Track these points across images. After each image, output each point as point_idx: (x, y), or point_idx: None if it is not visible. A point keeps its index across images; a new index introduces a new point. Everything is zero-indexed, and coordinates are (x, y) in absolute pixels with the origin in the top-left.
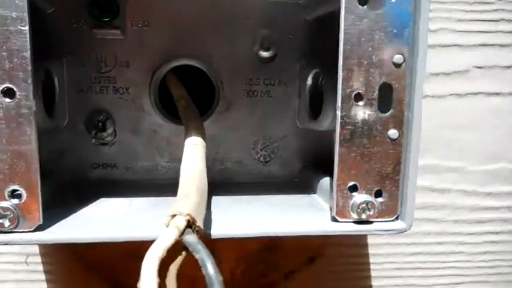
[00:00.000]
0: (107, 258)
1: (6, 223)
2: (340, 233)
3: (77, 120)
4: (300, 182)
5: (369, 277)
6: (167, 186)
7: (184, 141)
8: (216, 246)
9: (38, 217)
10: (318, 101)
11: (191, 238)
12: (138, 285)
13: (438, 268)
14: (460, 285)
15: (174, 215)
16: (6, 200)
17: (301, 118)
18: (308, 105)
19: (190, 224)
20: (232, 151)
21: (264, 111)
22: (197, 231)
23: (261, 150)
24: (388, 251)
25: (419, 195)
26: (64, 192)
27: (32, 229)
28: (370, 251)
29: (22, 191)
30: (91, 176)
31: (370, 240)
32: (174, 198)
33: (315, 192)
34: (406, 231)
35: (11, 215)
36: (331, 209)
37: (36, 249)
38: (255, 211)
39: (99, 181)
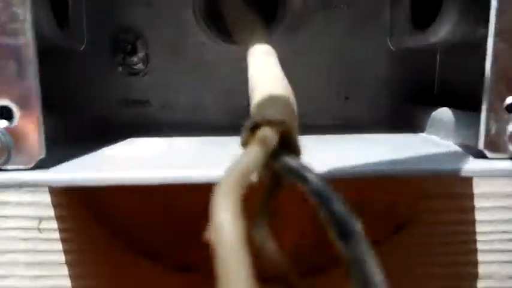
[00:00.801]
0: (137, 224)
1: None
2: (492, 174)
3: (99, 41)
4: (393, 121)
5: (473, 251)
6: (216, 129)
7: (243, 62)
8: (281, 209)
9: (38, 148)
10: (427, 4)
11: (291, 161)
12: (206, 235)
13: None
14: None
15: (256, 125)
16: None
17: (395, 35)
18: (409, 12)
19: (284, 139)
20: (301, 82)
21: (344, 28)
22: (295, 151)
23: (339, 81)
24: (500, 216)
25: None
26: (83, 136)
27: (29, 166)
28: (478, 217)
29: (13, 107)
30: (117, 116)
31: (478, 202)
32: (230, 139)
33: (422, 131)
34: None
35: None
36: (476, 141)
37: (51, 212)
38: (360, 149)
39: (128, 122)
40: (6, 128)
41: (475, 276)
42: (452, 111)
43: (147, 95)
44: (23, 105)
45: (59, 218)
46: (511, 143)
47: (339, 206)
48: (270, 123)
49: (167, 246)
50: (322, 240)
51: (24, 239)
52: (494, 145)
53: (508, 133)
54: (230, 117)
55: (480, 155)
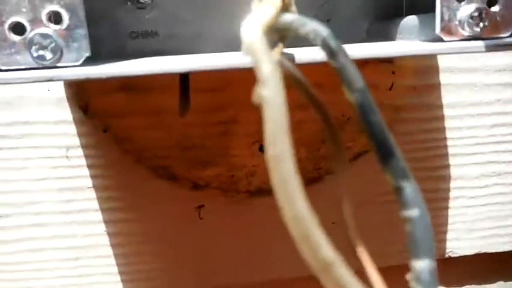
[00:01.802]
0: (158, 146)
1: (48, 55)
2: (448, 51)
3: None
4: (371, 40)
5: (444, 155)
6: None
7: None
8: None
9: (86, 46)
10: None
11: (291, 15)
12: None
13: None
14: None
15: None
16: (45, 25)
17: None
18: None
19: (285, 7)
20: None
21: None
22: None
23: (320, 6)
24: (468, 123)
25: None
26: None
27: (78, 63)
28: (447, 124)
29: (63, 12)
30: (129, 47)
31: (448, 111)
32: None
33: (393, 40)
34: None
35: (53, 44)
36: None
37: (77, 141)
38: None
39: (139, 53)
40: (57, 31)
41: (448, 178)
42: (417, 17)
43: (155, 26)
44: (70, 9)
45: (85, 146)
46: (461, 28)
47: (330, 36)
48: None
49: (183, 168)
50: (315, 154)
51: (54, 167)
52: (448, 30)
53: (458, 19)
54: (232, 45)
55: (438, 40)
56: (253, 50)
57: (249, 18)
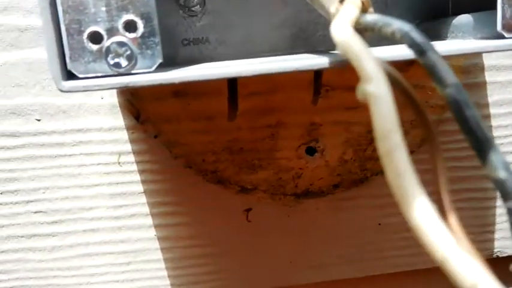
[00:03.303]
0: (207, 151)
1: (124, 62)
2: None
3: None
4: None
5: None
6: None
7: None
8: (321, 133)
9: (159, 53)
10: None
11: (373, 16)
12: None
13: None
14: None
15: None
16: (121, 33)
17: None
18: None
19: (364, 8)
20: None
21: None
22: None
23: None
24: None
25: None
26: None
27: (152, 69)
28: (493, 122)
29: (138, 21)
30: (182, 54)
31: (494, 109)
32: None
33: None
34: None
35: (128, 52)
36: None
37: (128, 147)
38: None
39: (191, 59)
40: (132, 39)
41: None
42: (472, 15)
43: (206, 33)
44: (145, 18)
45: (136, 152)
46: None
47: (416, 32)
48: None
49: (231, 172)
50: (361, 155)
51: (107, 173)
52: (509, 26)
53: None
54: (278, 48)
55: (500, 37)
56: (351, 48)
57: (337, 18)
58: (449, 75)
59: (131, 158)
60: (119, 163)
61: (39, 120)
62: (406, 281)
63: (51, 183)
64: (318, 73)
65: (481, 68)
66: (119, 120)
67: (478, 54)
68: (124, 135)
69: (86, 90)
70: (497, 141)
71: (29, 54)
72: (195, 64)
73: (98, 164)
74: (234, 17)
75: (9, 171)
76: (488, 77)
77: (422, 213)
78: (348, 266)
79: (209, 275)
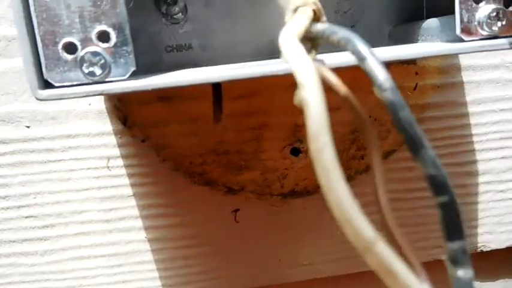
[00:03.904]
0: (194, 153)
1: (98, 71)
2: (469, 50)
3: None
4: (394, 43)
5: (471, 151)
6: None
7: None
8: (304, 134)
9: (132, 61)
10: None
11: (323, 25)
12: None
13: None
14: None
15: (296, 7)
16: (94, 43)
17: None
18: None
19: (316, 18)
20: None
21: None
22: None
23: (345, 12)
24: (492, 118)
25: None
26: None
27: (125, 76)
28: (472, 120)
29: (111, 31)
30: (165, 61)
31: (472, 108)
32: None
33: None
34: None
35: (102, 61)
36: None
37: (117, 151)
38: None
39: (175, 65)
40: (106, 48)
41: (476, 173)
42: (438, 19)
43: (189, 39)
44: (117, 29)
45: (125, 156)
46: (480, 28)
47: (360, 42)
48: (306, 4)
49: (218, 173)
50: (345, 155)
51: (96, 177)
52: (468, 30)
53: (476, 19)
54: (260, 52)
55: (459, 41)
56: (291, 57)
57: (286, 28)
58: (387, 80)
59: (120, 162)
60: (108, 167)
61: (28, 127)
62: None
63: (41, 188)
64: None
65: (458, 68)
66: (106, 125)
67: (454, 56)
68: (112, 140)
69: (62, 98)
70: (476, 139)
71: (17, 63)
72: (178, 70)
73: (88, 168)
74: (215, 23)
75: None
76: (465, 76)
77: (343, 203)
78: (336, 263)
79: (200, 275)
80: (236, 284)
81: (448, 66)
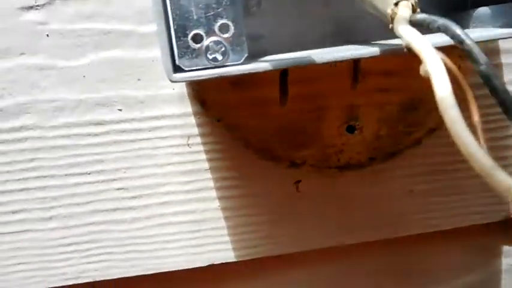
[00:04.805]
0: (262, 132)
1: (219, 57)
2: None
3: None
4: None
5: (508, 126)
6: None
7: None
8: (358, 112)
9: (245, 49)
10: None
11: (422, 15)
12: (422, 68)
13: None
14: None
15: (397, 2)
16: (216, 34)
17: None
18: None
19: (414, 9)
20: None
21: None
22: None
23: None
24: None
25: None
26: None
27: (241, 61)
28: None
29: (230, 24)
30: None
31: (510, 87)
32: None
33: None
34: None
35: (223, 49)
36: None
37: (196, 130)
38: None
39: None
40: (226, 38)
41: None
42: (490, 8)
43: (262, 31)
44: (235, 22)
45: (202, 134)
46: None
47: (457, 28)
48: None
49: (283, 149)
50: (394, 131)
51: (178, 153)
52: None
53: None
54: (326, 43)
55: None
56: (413, 40)
57: (399, 18)
58: (482, 56)
59: (198, 139)
60: (188, 145)
61: (120, 110)
62: (431, 240)
63: (131, 163)
64: (356, 62)
65: (497, 52)
66: (187, 107)
67: (495, 41)
68: (192, 120)
69: (191, 80)
70: None
71: (112, 54)
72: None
73: (171, 146)
74: (285, 16)
75: (95, 154)
76: (504, 59)
77: (467, 141)
78: (388, 227)
79: (265, 239)
80: (297, 246)
81: (488, 50)
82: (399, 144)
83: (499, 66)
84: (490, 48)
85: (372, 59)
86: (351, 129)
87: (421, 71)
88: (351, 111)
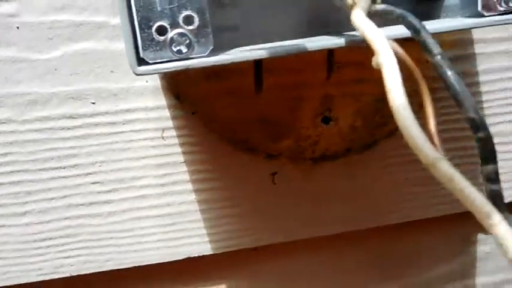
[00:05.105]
0: (237, 123)
1: (184, 49)
2: (491, 24)
3: None
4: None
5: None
6: None
7: None
8: (333, 103)
9: (210, 41)
10: None
11: (380, 5)
12: (374, 59)
13: None
14: None
15: None
16: (181, 26)
17: None
18: None
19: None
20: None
21: None
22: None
23: None
24: (500, 86)
25: None
26: None
27: (206, 53)
28: (482, 88)
29: (194, 15)
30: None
31: (482, 77)
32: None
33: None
34: None
35: (187, 41)
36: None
37: (170, 123)
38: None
39: (223, 45)
40: (190, 30)
41: None
42: None
43: (236, 22)
44: (200, 13)
45: (177, 127)
46: (498, 4)
47: (412, 17)
48: None
49: (258, 141)
50: (370, 122)
51: (152, 146)
52: (488, 6)
53: None
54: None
55: (480, 16)
56: (367, 30)
57: (356, 8)
58: (436, 47)
59: (173, 132)
60: (163, 137)
61: (93, 103)
62: (409, 230)
63: (105, 157)
64: (331, 52)
65: (470, 42)
66: (161, 100)
67: (467, 30)
68: (166, 113)
69: (155, 72)
70: (486, 104)
71: (84, 46)
72: (227, 48)
73: (145, 139)
74: (259, 6)
75: (69, 148)
76: (477, 49)
77: (412, 131)
78: (364, 218)
79: (242, 231)
80: (274, 238)
81: (460, 40)
82: (375, 135)
83: (471, 56)
84: (461, 38)
85: (346, 50)
86: (326, 120)
87: (373, 63)
88: (326, 102)
